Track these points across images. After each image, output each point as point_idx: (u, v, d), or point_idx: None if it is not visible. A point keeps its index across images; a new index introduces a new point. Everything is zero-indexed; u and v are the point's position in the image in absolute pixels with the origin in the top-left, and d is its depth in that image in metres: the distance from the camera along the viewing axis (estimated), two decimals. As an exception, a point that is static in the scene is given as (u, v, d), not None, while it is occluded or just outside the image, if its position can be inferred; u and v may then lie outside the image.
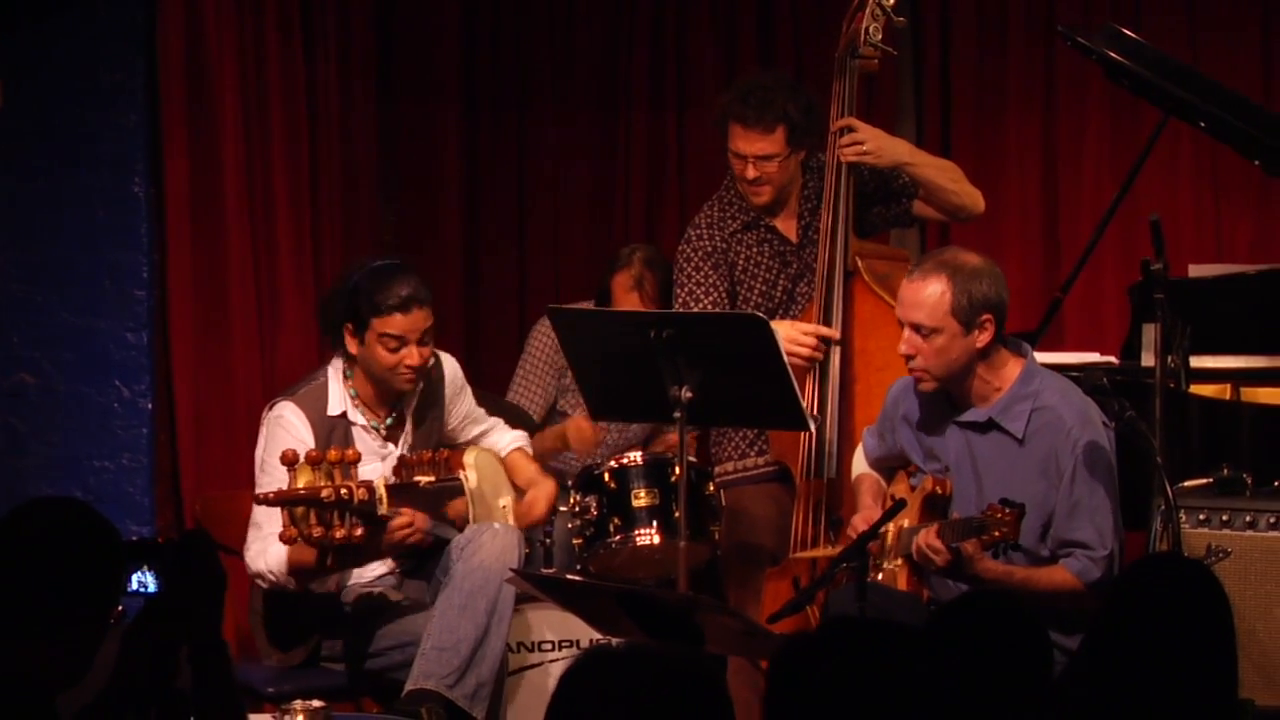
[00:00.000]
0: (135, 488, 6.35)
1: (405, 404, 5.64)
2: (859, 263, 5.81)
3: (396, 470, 5.44)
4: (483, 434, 5.86)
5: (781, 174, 5.89)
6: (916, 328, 5.07)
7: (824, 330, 5.71)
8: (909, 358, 5.11)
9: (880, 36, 5.84)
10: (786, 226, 5.99)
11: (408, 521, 5.31)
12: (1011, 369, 5.14)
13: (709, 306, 5.92)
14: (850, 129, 5.78)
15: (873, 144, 5.80)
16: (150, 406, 6.38)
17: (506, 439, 5.90)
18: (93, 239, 6.36)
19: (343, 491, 5.15)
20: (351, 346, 5.50)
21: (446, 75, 7.60)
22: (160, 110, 6.38)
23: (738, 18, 7.56)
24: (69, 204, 6.37)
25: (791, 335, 5.63)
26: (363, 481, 5.22)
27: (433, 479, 5.44)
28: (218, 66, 6.49)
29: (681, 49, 7.60)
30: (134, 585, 3.60)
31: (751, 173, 5.87)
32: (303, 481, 5.14)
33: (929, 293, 5.05)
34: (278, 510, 5.25)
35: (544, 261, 7.35)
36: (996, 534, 4.82)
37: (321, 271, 6.86)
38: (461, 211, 7.64)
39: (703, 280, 5.96)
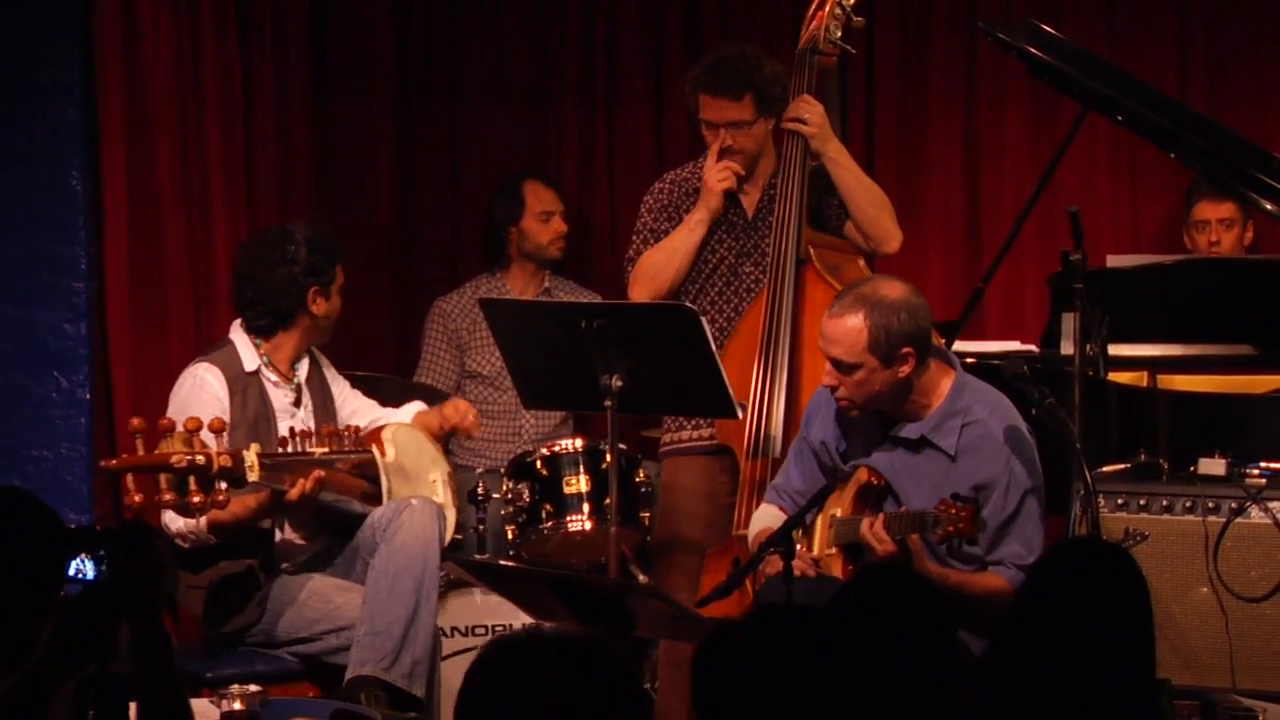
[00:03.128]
0: (74, 476, 6.35)
1: (302, 365, 5.76)
2: (811, 251, 5.87)
3: (283, 441, 5.50)
4: (377, 420, 5.91)
5: (753, 142, 5.97)
6: (836, 363, 5.07)
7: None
8: (833, 388, 5.13)
9: (840, 35, 5.94)
10: (747, 200, 6.06)
11: (300, 491, 5.36)
12: (943, 385, 5.15)
13: (646, 248, 6.02)
14: (807, 102, 5.88)
15: (815, 126, 5.88)
16: (88, 396, 6.38)
17: (402, 413, 5.95)
18: (31, 232, 6.36)
19: (197, 458, 5.15)
20: (320, 308, 5.66)
21: (380, 71, 7.62)
22: (97, 105, 6.39)
23: (665, 16, 7.60)
24: (7, 198, 6.36)
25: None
26: (229, 450, 5.24)
27: (327, 450, 5.52)
28: (154, 62, 6.50)
29: (611, 47, 7.62)
30: (72, 571, 3.66)
31: (725, 141, 5.97)
32: (158, 450, 5.15)
33: (846, 329, 5.03)
34: None
35: (476, 255, 7.40)
36: (951, 529, 4.82)
37: (257, 263, 6.92)
38: (395, 204, 7.66)
39: (648, 228, 6.05)
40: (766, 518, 5.39)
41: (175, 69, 6.60)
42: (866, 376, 5.04)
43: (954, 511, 4.82)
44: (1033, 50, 5.88)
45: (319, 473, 5.40)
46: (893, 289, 5.08)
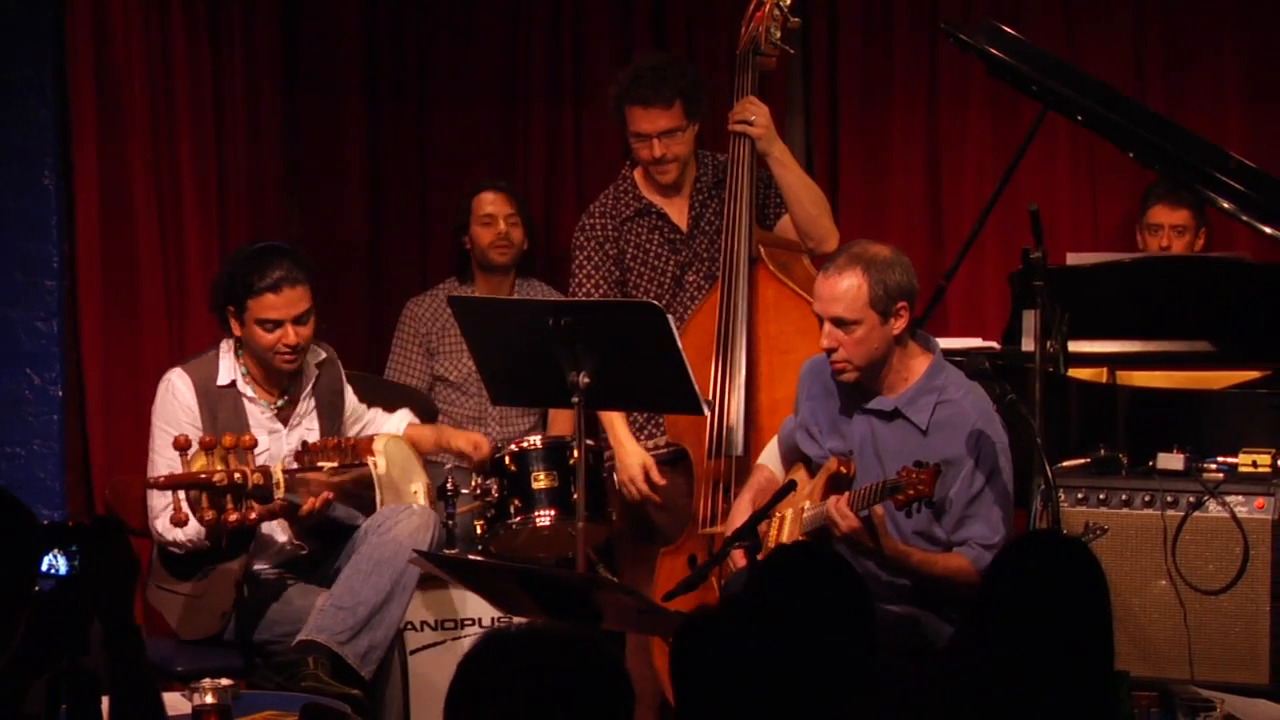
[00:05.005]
0: (46, 473, 6.39)
1: (300, 387, 5.75)
2: (762, 250, 5.93)
3: (298, 456, 5.54)
4: (367, 424, 5.96)
5: (685, 148, 6.04)
6: (837, 321, 5.15)
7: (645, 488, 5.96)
8: (830, 351, 5.19)
9: (779, 36, 5.99)
10: (678, 214, 6.12)
11: (311, 509, 5.45)
12: (920, 362, 5.23)
13: (598, 291, 6.07)
14: (753, 103, 5.93)
15: (762, 128, 5.93)
16: (61, 394, 6.41)
17: (396, 420, 6.01)
18: (3, 230, 6.38)
19: (235, 476, 5.26)
20: (235, 329, 5.65)
21: (349, 70, 7.64)
22: (69, 105, 6.41)
23: (632, 13, 7.62)
24: (-22, 196, 6.40)
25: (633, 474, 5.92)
26: (260, 466, 5.33)
27: (335, 464, 5.57)
28: (125, 62, 6.51)
29: (578, 44, 7.65)
30: (44, 567, 3.69)
31: (658, 150, 6.00)
32: (196, 466, 5.25)
33: (846, 286, 5.13)
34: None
35: (445, 252, 7.43)
36: (912, 492, 4.85)
37: (228, 262, 6.96)
38: (365, 203, 7.69)
39: (593, 270, 6.11)
40: (770, 458, 5.55)
41: (146, 68, 6.62)
42: (866, 333, 5.13)
43: (914, 475, 4.88)
44: (993, 51, 5.90)
45: (328, 494, 5.48)
46: (881, 248, 5.21)
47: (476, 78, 7.72)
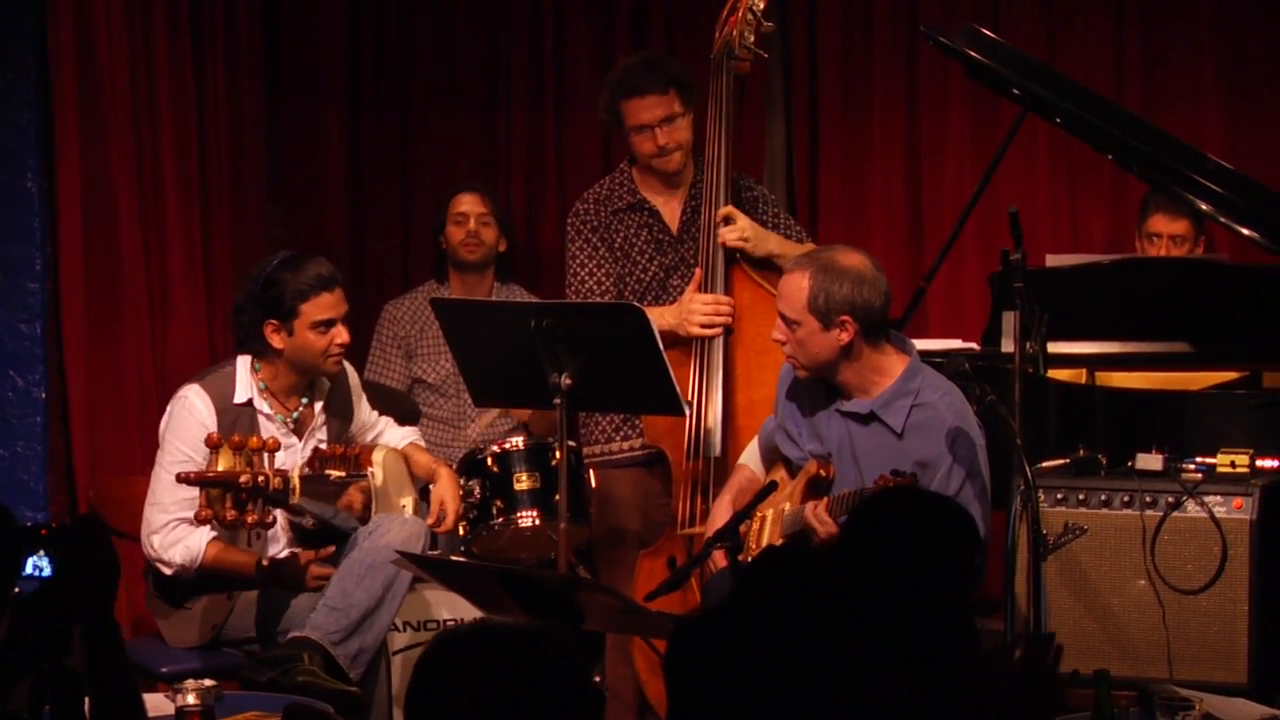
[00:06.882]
0: (29, 474, 6.40)
1: (314, 398, 5.75)
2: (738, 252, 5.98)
3: (310, 462, 5.53)
4: (378, 434, 5.97)
5: (685, 134, 6.02)
6: (781, 316, 5.18)
7: (720, 301, 5.86)
8: (782, 343, 5.22)
9: (753, 40, 5.99)
10: (670, 215, 6.12)
11: (319, 573, 5.50)
12: (895, 365, 5.20)
13: (598, 276, 6.06)
14: (730, 219, 5.90)
15: (751, 232, 5.93)
16: (44, 396, 6.41)
17: (399, 435, 6.01)
18: (-15, 233, 6.39)
19: (259, 478, 5.27)
20: (277, 342, 5.57)
21: (332, 75, 7.68)
22: (52, 108, 6.41)
23: (612, 18, 7.66)
24: (-38, 200, 6.39)
25: (690, 307, 5.82)
26: (278, 470, 5.34)
27: (343, 474, 5.57)
28: (108, 66, 6.53)
29: (559, 49, 7.68)
30: (29, 569, 3.69)
31: (661, 139, 5.99)
32: (222, 465, 5.26)
33: (793, 286, 5.14)
34: (182, 490, 5.39)
35: (427, 256, 7.45)
36: None
37: (211, 265, 6.94)
38: (347, 207, 7.72)
39: (592, 253, 6.10)
40: (751, 458, 5.55)
41: (129, 72, 6.63)
42: (806, 335, 5.13)
43: (891, 485, 4.86)
44: (972, 54, 5.92)
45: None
46: (849, 258, 5.17)
47: (458, 81, 7.75)
